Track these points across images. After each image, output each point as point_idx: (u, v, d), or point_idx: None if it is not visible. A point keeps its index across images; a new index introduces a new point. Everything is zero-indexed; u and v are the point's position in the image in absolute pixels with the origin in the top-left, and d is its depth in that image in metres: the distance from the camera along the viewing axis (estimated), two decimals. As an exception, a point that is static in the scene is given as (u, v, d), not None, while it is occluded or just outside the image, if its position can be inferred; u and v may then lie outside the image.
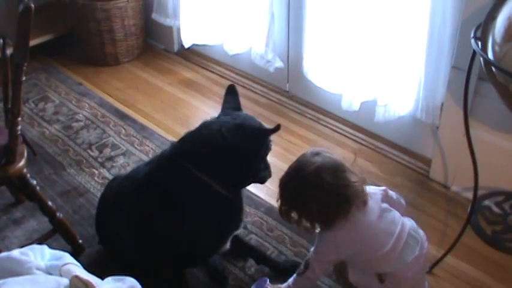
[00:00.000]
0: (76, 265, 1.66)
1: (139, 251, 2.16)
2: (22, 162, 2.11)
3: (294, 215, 1.92)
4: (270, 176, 2.15)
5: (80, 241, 2.40)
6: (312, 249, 1.99)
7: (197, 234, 2.05)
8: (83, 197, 2.72)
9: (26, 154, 2.16)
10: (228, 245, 2.21)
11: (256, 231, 2.53)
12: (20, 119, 2.02)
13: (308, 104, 3.38)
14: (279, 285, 2.08)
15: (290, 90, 3.49)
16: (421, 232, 1.98)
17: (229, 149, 1.95)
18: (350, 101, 2.94)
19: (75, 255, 1.73)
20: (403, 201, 2.08)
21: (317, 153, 1.87)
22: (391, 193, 2.04)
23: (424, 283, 2.03)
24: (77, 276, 1.60)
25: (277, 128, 1.94)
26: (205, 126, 2.04)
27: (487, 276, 2.33)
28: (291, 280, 2.03)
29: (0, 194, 2.69)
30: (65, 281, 1.58)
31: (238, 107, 2.14)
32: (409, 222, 1.96)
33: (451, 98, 2.55)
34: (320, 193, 1.81)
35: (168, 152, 2.08)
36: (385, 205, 1.95)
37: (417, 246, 1.91)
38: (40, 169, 2.89)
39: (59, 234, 2.34)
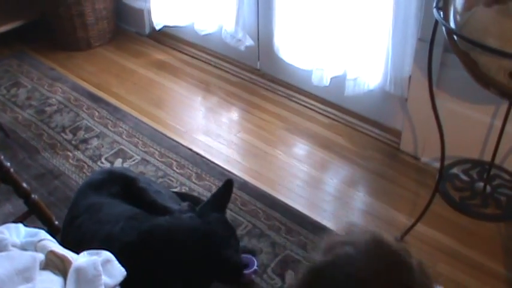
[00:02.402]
0: (51, 241, 1.69)
1: None
2: (-6, 144, 2.12)
3: None
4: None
5: (56, 222, 2.40)
6: None
7: None
8: (58, 179, 2.73)
9: (-2, 136, 2.16)
10: None
11: (230, 206, 2.54)
12: (-10, 100, 2.04)
13: (279, 81, 3.41)
14: None
15: (261, 68, 3.51)
16: None
17: None
18: (320, 76, 2.97)
19: (52, 236, 1.75)
20: None
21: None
22: None
23: None
24: (52, 251, 1.63)
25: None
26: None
27: (455, 241, 2.39)
28: None
29: (-26, 179, 2.69)
30: (41, 256, 1.60)
31: (223, 206, 2.13)
32: None
33: (418, 70, 2.60)
34: None
35: None
36: None
37: None
38: (14, 154, 2.88)
39: (34, 215, 2.34)
